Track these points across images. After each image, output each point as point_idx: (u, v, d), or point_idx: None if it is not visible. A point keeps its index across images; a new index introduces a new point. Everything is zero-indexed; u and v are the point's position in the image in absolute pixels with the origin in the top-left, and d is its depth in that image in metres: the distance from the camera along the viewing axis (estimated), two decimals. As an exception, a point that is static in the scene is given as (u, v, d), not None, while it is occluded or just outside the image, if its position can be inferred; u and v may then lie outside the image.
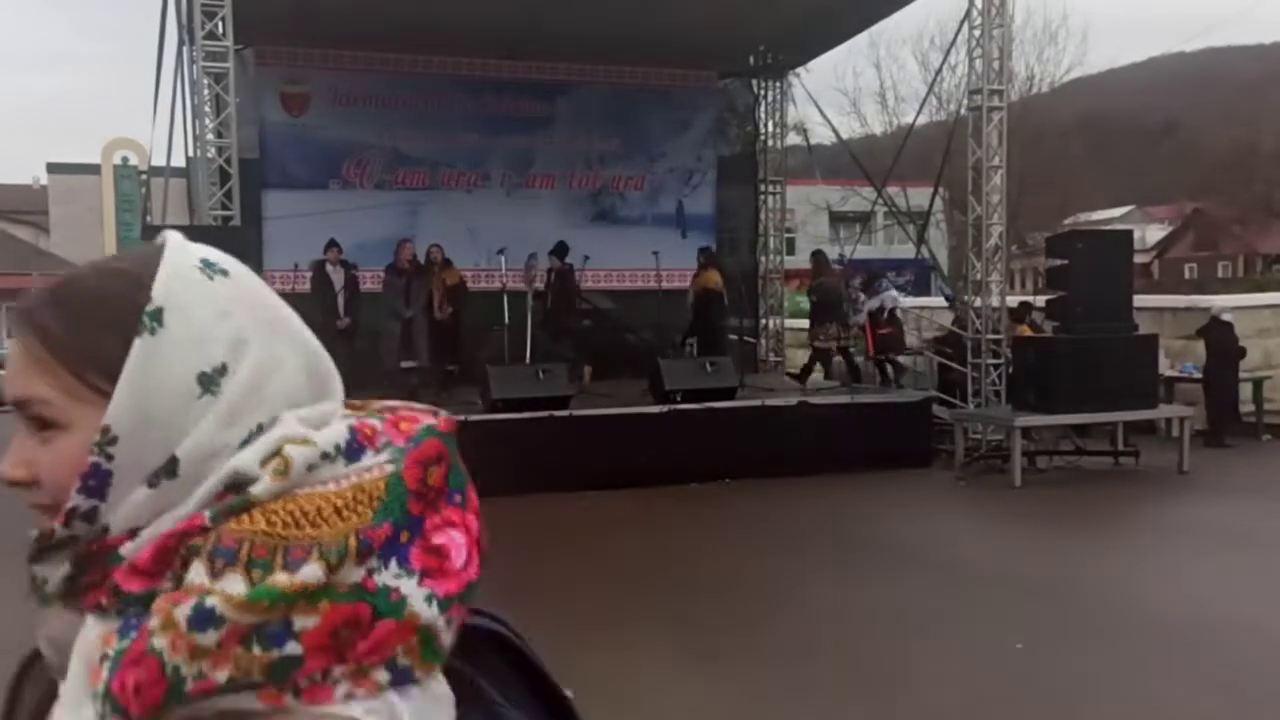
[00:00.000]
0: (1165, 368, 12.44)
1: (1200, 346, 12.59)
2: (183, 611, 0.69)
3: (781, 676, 5.26)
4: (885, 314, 13.14)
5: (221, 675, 0.70)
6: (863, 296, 13.92)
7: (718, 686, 5.15)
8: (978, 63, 11.68)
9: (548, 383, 10.54)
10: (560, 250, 12.56)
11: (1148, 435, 12.04)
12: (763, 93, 15.48)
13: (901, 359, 13.81)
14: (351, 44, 13.31)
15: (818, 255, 13.62)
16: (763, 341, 15.53)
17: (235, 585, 0.70)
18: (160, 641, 0.69)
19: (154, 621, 0.70)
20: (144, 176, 36.37)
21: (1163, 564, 7.58)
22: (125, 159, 40.41)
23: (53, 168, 45.31)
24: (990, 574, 7.14)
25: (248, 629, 0.70)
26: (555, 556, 7.93)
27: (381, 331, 11.99)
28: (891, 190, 27.85)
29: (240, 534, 0.72)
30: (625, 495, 9.74)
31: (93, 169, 41.71)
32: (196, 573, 0.71)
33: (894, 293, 13.25)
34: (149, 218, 17.65)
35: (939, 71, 16.85)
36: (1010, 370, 11.48)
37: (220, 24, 9.77)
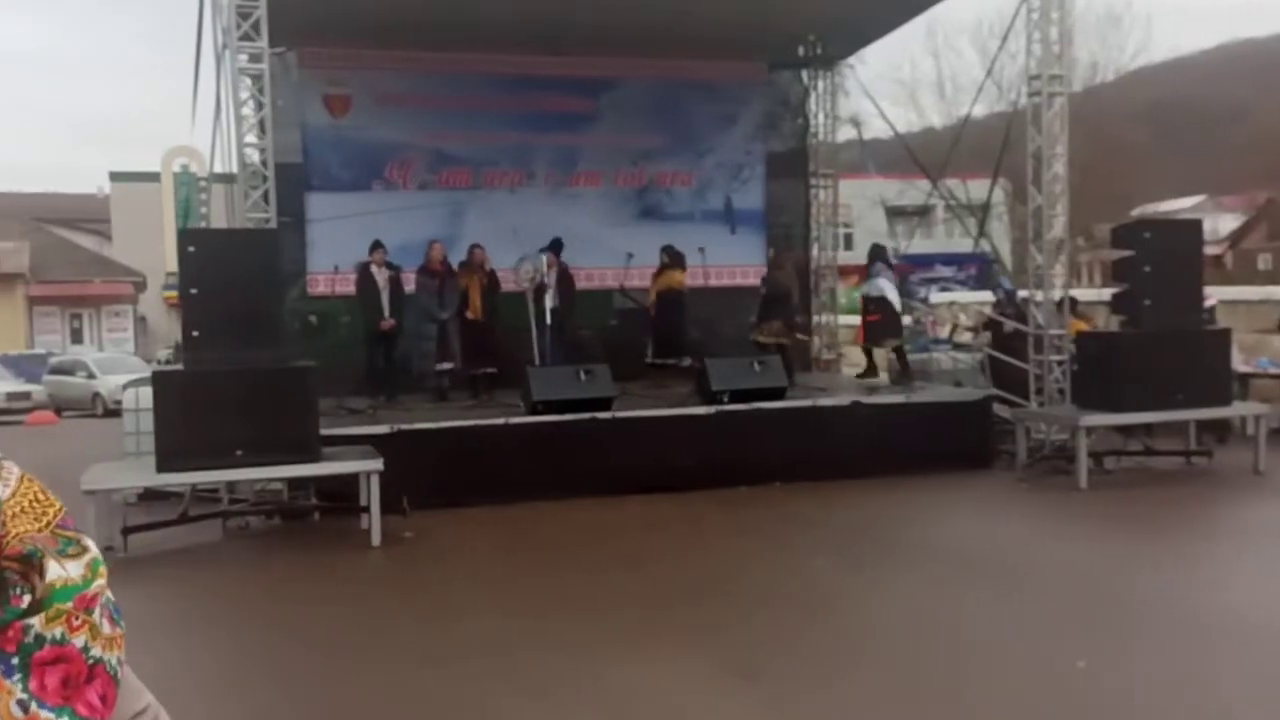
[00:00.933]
0: (1239, 363, 11.84)
1: (1277, 340, 12.00)
2: (101, 612, 0.95)
3: (825, 694, 4.92)
4: (872, 303, 12.69)
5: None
6: (921, 291, 13.48)
7: (755, 705, 4.83)
8: (1037, 47, 11.20)
9: (589, 384, 10.26)
10: (557, 246, 12.16)
11: (1221, 434, 11.51)
12: (813, 84, 15.06)
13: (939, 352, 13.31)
14: (393, 44, 13.15)
15: (776, 248, 13.03)
16: (816, 339, 15.12)
17: (75, 568, 0.95)
18: (96, 650, 0.95)
19: (80, 640, 0.93)
20: (202, 183, 36.94)
21: (1239, 571, 7.11)
22: (185, 166, 40.94)
23: (115, 176, 46.04)
24: (1053, 582, 6.72)
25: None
26: (593, 564, 7.67)
27: (418, 334, 11.80)
28: (950, 183, 27.32)
29: (31, 535, 0.94)
30: (671, 499, 9.47)
31: (154, 177, 42.34)
32: (55, 571, 0.93)
33: (882, 280, 12.75)
34: (206, 223, 17.70)
35: (995, 58, 16.32)
36: (1075, 367, 11.00)
37: (256, 25, 9.63)
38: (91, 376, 25.37)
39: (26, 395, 24.67)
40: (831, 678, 5.13)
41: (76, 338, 38.26)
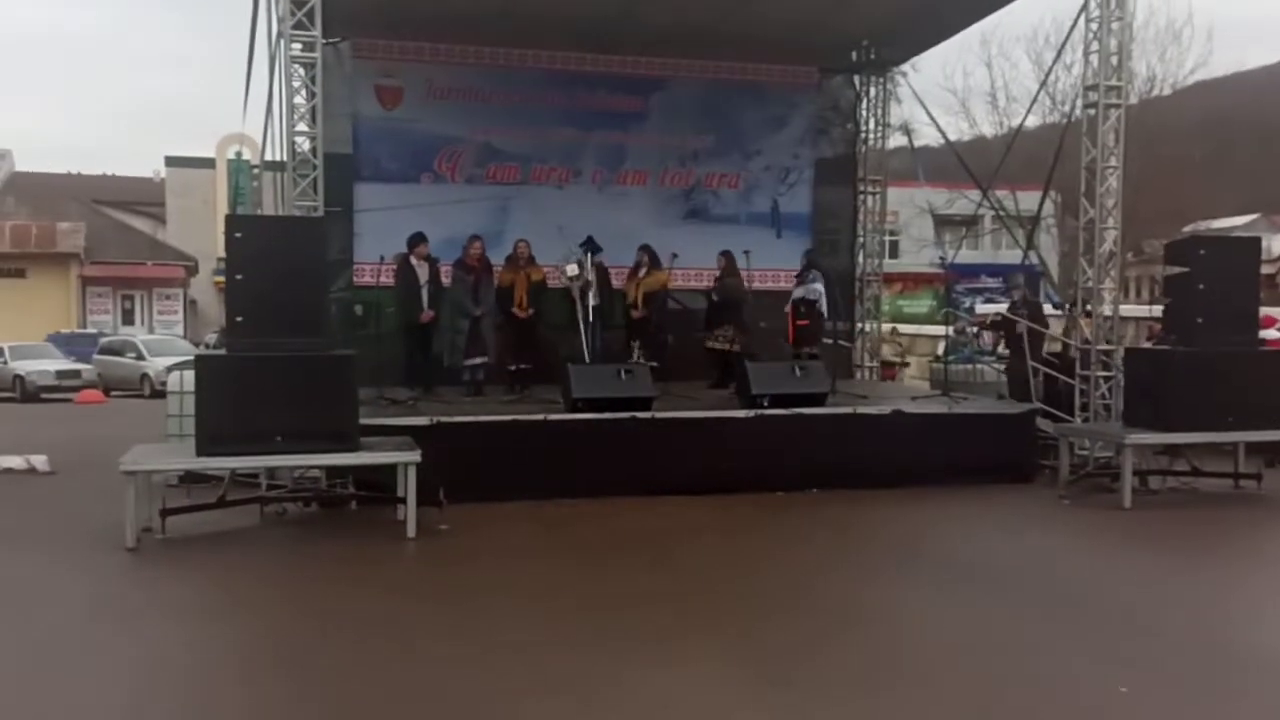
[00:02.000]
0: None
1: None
2: None
3: (854, 706, 4.86)
4: (804, 306, 12.62)
5: None
6: (966, 301, 13.33)
7: (783, 714, 4.78)
8: (1094, 58, 11.03)
9: (629, 383, 10.24)
10: (593, 246, 12.03)
11: (1271, 457, 11.26)
12: (865, 90, 14.94)
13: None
14: (446, 37, 13.24)
15: (726, 254, 12.93)
16: (859, 346, 15.01)
17: None
18: None
19: None
20: (256, 170, 37.35)
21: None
22: (239, 153, 41.42)
23: (170, 161, 46.76)
24: (1091, 603, 6.60)
25: None
26: (624, 565, 7.65)
27: (450, 328, 11.76)
28: (1000, 193, 27.05)
29: None
30: (706, 502, 9.42)
31: (209, 163, 42.90)
32: None
33: (819, 286, 12.68)
34: (259, 210, 17.96)
35: (1051, 67, 16.16)
36: (1123, 383, 10.83)
37: (310, 14, 9.71)
38: (140, 358, 25.73)
39: (76, 374, 25.02)
40: (860, 690, 5.06)
41: (128, 319, 38.82)
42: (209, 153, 43.15)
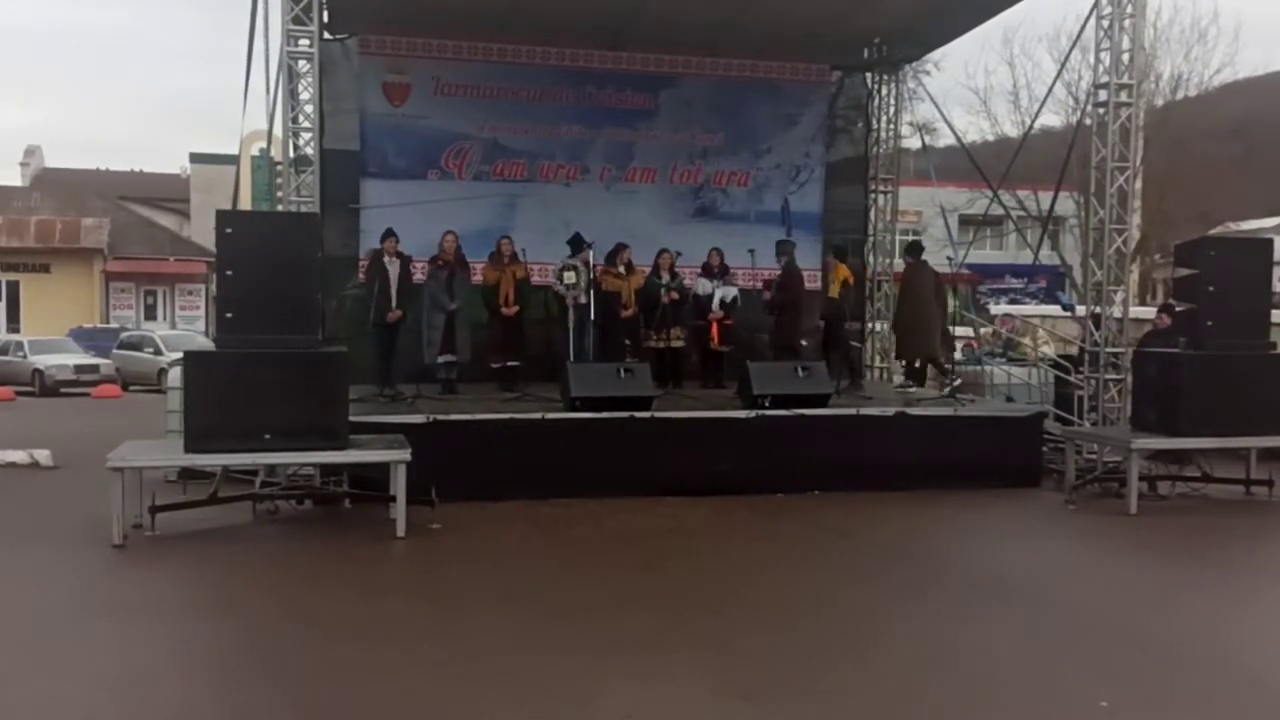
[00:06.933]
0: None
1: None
2: None
3: None
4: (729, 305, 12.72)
5: None
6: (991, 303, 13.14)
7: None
8: (1105, 55, 10.84)
9: (629, 382, 10.15)
10: (579, 244, 11.97)
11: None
12: (877, 88, 14.76)
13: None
14: (454, 34, 13.19)
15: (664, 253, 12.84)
16: (869, 346, 14.85)
17: None
18: None
19: None
20: (279, 167, 37.55)
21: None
22: (262, 150, 41.53)
23: (195, 158, 46.87)
24: (1087, 613, 6.45)
25: None
26: (614, 568, 7.55)
27: (423, 324, 11.53)
28: (1022, 193, 26.83)
29: None
30: (705, 504, 9.33)
31: (233, 159, 42.99)
32: None
33: (732, 288, 12.81)
34: (280, 207, 18.03)
35: (1062, 66, 15.90)
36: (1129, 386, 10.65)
37: (307, 9, 9.67)
38: (158, 353, 25.85)
39: (94, 368, 25.21)
40: (835, 704, 4.92)
41: (150, 314, 39.01)
42: (234, 149, 43.32)
